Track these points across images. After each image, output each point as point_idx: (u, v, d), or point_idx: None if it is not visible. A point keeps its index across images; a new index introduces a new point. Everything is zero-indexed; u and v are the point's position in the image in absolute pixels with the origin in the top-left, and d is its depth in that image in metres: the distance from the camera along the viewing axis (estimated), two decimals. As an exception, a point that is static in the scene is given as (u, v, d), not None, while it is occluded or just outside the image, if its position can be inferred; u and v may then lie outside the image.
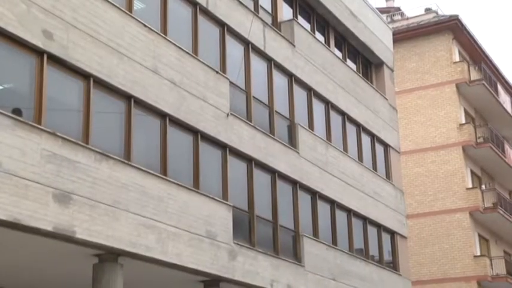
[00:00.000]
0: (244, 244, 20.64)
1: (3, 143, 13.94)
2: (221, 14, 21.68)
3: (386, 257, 29.49)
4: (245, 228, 21.25)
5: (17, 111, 14.81)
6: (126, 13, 17.89)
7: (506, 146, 47.48)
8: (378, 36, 31.80)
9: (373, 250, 28.51)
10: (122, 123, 17.57)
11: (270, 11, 24.96)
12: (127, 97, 17.56)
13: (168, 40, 19.21)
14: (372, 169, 29.45)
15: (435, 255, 41.90)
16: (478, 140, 43.95)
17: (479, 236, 43.69)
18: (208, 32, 21.37)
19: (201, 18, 20.94)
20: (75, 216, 15.24)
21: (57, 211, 14.85)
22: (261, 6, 24.31)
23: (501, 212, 43.41)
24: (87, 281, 16.73)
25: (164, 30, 19.37)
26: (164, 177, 18.14)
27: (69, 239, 15.17)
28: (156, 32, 18.81)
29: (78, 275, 17.48)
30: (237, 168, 21.37)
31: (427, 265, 41.34)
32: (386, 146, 31.12)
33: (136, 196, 16.99)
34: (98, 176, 16.02)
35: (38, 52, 15.34)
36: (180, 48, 19.59)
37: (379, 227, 29.06)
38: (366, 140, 29.61)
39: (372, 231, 28.48)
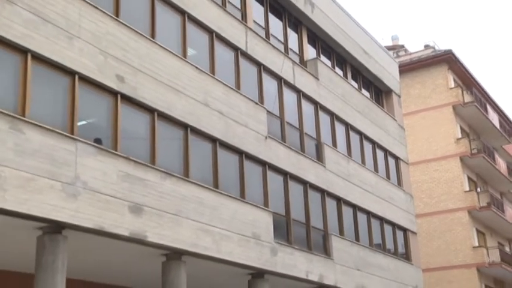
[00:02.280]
0: (283, 242, 20.62)
1: (88, 166, 14.20)
2: (258, 56, 21.80)
3: (400, 249, 29.27)
4: (283, 230, 21.19)
5: (98, 141, 15.06)
6: (181, 59, 18.12)
7: (496, 156, 47.13)
8: (386, 69, 31.76)
9: (389, 244, 28.33)
10: (181, 147, 17.70)
11: (297, 52, 25.01)
12: (184, 126, 17.71)
13: (215, 79, 19.34)
14: (385, 178, 29.28)
15: (441, 247, 41.59)
16: (473, 151, 43.61)
17: (477, 230, 43.26)
18: (248, 70, 21.44)
19: (241, 60, 21.07)
20: (146, 223, 15.42)
21: (132, 220, 15.06)
22: (290, 49, 24.38)
23: (494, 210, 43.00)
24: (157, 275, 16.85)
25: (212, 70, 19.51)
26: (217, 190, 18.22)
27: (142, 242, 15.38)
28: (206, 73, 18.98)
29: (150, 271, 17.58)
30: (275, 181, 21.37)
31: (434, 256, 41.00)
32: (396, 158, 30.96)
33: (195, 206, 17.11)
34: (163, 191, 16.19)
35: (113, 93, 15.62)
36: (225, 85, 19.70)
37: (394, 225, 28.86)
38: (380, 154, 29.46)
39: (387, 229, 28.31)
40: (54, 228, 13.72)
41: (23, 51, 13.64)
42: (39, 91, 13.90)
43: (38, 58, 13.91)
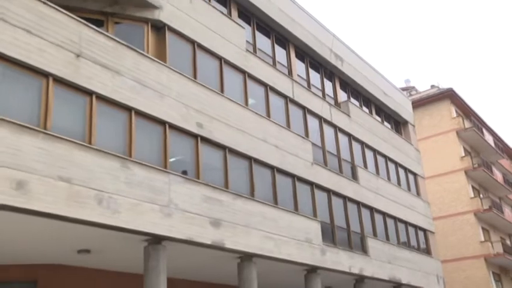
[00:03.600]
0: (330, 244, 20.45)
1: (178, 192, 14.46)
2: (302, 101, 21.84)
3: (422, 246, 28.68)
4: (329, 234, 20.99)
5: (185, 172, 15.34)
6: (244, 107, 18.33)
7: (493, 168, 46.09)
8: (402, 106, 31.47)
9: (413, 242, 27.78)
10: (247, 175, 17.79)
11: (332, 96, 24.98)
12: (249, 158, 17.83)
13: (271, 121, 19.46)
14: (407, 190, 28.84)
15: (454, 242, 40.58)
16: (474, 166, 42.66)
17: (482, 228, 42.15)
18: (296, 112, 21.47)
19: (290, 105, 21.14)
20: (223, 234, 15.55)
21: (212, 232, 15.21)
22: (326, 94, 24.36)
23: (495, 211, 41.91)
24: (234, 273, 16.93)
25: (268, 114, 19.66)
26: (276, 205, 18.23)
27: (221, 248, 15.50)
28: (263, 117, 19.13)
29: (228, 270, 17.61)
30: (321, 197, 21.22)
31: (450, 249, 39.99)
32: (415, 174, 30.49)
33: (260, 219, 17.16)
34: (235, 208, 16.31)
35: (194, 136, 15.90)
36: (279, 125, 19.80)
37: (415, 227, 28.32)
38: (401, 172, 29.03)
39: (411, 230, 27.81)
40: (156, 240, 13.97)
41: (128, 109, 14.07)
42: (140, 138, 14.28)
43: (139, 113, 14.35)
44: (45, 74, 12.38)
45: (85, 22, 13.58)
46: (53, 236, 13.09)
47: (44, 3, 12.69)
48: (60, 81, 12.64)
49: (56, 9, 12.94)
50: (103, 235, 13.27)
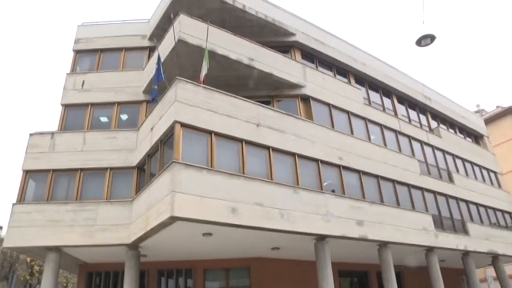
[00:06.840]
0: (440, 230, 17.72)
1: (332, 205, 13.33)
2: (407, 132, 19.51)
3: (509, 224, 23.97)
4: (439, 223, 18.20)
5: (334, 191, 14.11)
6: (368, 142, 16.68)
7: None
8: (477, 124, 27.26)
9: (502, 222, 23.30)
10: (376, 187, 15.92)
11: (427, 125, 22.18)
12: (376, 176, 15.96)
13: (388, 149, 17.49)
14: (491, 185, 24.52)
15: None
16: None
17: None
18: (403, 140, 19.19)
19: (399, 136, 18.93)
20: (366, 230, 14.02)
21: (358, 229, 13.77)
22: (423, 124, 21.67)
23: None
24: (375, 256, 15.16)
25: (385, 144, 17.74)
26: (399, 207, 16.11)
27: (365, 240, 13.98)
28: (382, 147, 17.19)
29: (370, 254, 15.75)
30: (429, 197, 18.50)
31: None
32: (495, 172, 25.92)
33: (389, 217, 15.24)
34: (371, 212, 14.64)
35: (337, 166, 14.67)
36: (394, 150, 17.74)
37: (501, 211, 23.73)
38: (484, 172, 24.77)
39: (498, 213, 23.33)
40: (321, 238, 12.96)
41: (293, 154, 13.36)
42: (303, 171, 13.46)
43: (300, 156, 13.58)
44: (240, 140, 12.23)
45: (259, 104, 13.41)
46: (256, 239, 12.65)
47: (235, 97, 12.76)
48: (249, 142, 12.42)
49: (243, 99, 12.93)
50: (286, 237, 12.55)
